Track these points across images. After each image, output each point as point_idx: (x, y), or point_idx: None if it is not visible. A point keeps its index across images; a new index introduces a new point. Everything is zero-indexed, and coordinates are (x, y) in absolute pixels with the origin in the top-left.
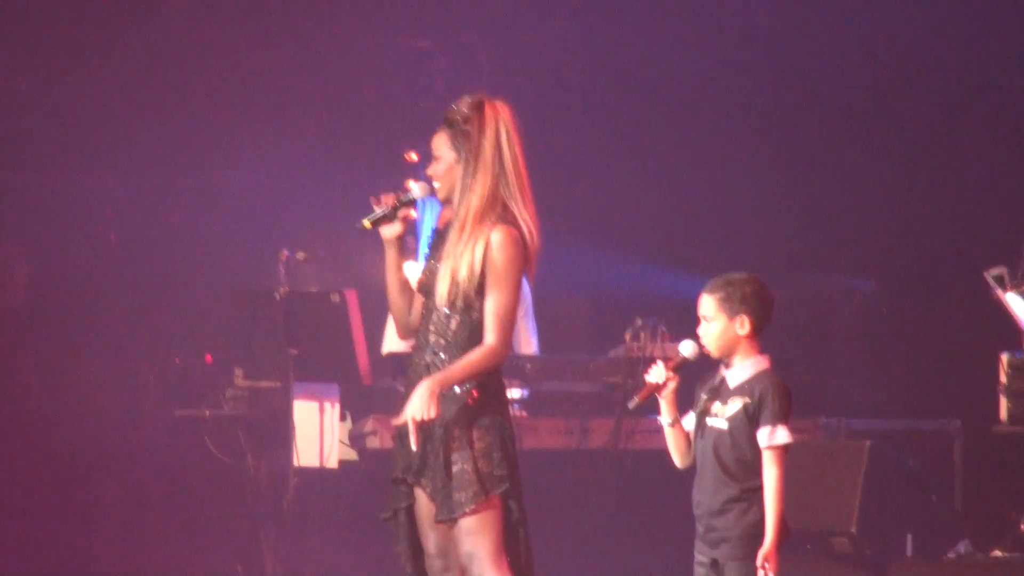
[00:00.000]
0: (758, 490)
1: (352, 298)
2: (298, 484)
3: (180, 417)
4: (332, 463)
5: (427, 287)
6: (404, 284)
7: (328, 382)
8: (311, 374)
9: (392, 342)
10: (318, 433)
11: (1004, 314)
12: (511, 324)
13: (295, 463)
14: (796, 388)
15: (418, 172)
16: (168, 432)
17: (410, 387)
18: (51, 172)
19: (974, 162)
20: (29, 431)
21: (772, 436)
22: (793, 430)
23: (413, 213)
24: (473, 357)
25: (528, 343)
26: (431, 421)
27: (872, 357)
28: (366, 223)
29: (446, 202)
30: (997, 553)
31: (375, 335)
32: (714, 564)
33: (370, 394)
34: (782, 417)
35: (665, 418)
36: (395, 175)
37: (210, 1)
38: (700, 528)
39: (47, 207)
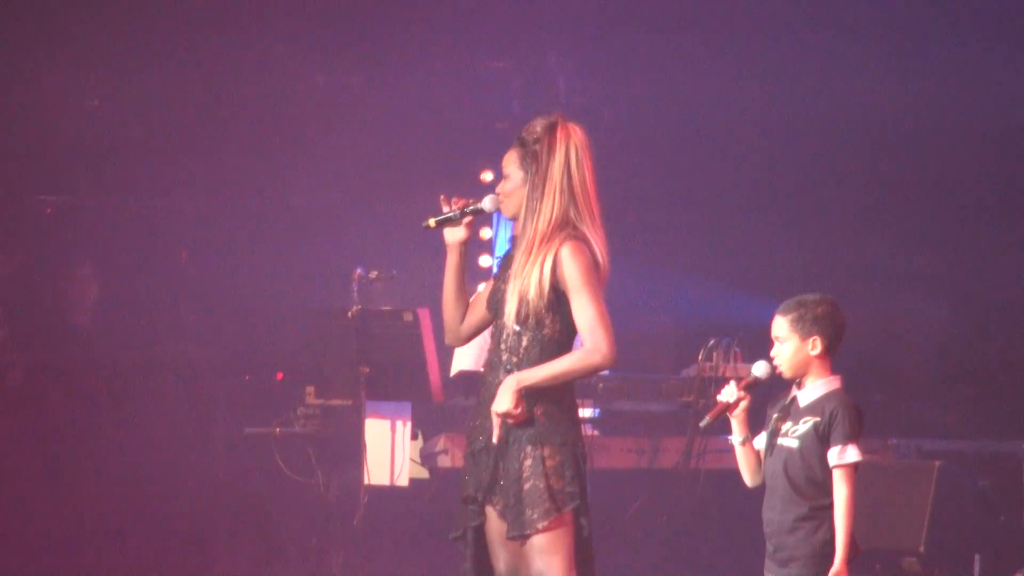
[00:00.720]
0: (827, 508)
1: (425, 317)
2: (368, 502)
3: (250, 435)
4: (403, 481)
5: (496, 305)
6: (459, 291)
7: (400, 400)
8: (383, 392)
9: (462, 361)
10: (389, 451)
11: None
12: (608, 327)
13: (366, 481)
14: (868, 408)
15: (488, 192)
16: (239, 450)
17: (483, 406)
18: (123, 194)
19: None
20: (99, 450)
21: (842, 455)
22: (864, 450)
23: (488, 231)
24: (564, 360)
25: None
26: (515, 417)
27: (944, 379)
28: (431, 222)
29: (513, 219)
30: None
31: (447, 354)
32: None
33: (442, 413)
34: (852, 436)
35: (736, 437)
36: (469, 195)
37: (283, 25)
38: (770, 547)
39: (118, 228)
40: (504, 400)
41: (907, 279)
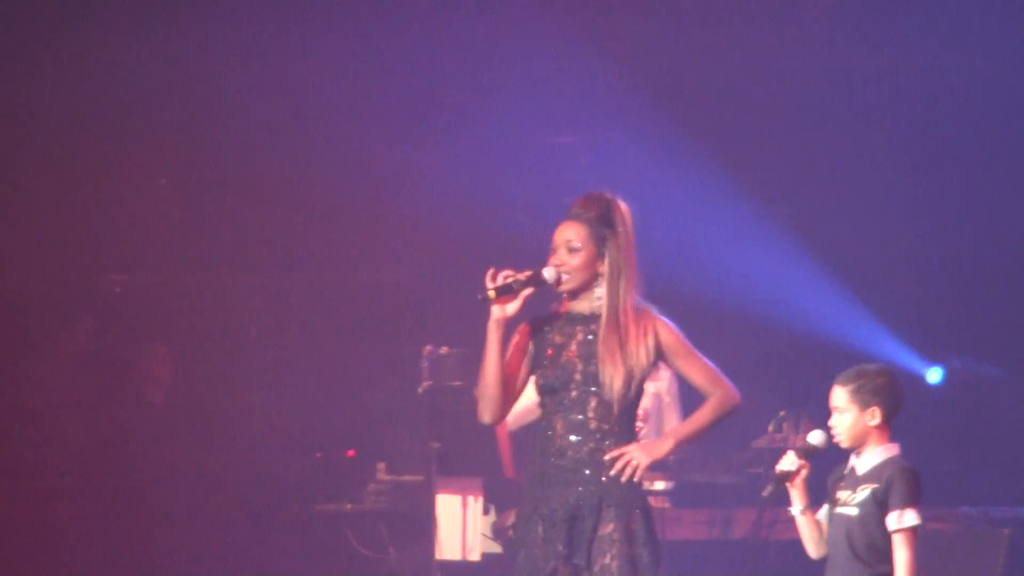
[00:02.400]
0: (889, 575)
1: None
2: None
3: (322, 511)
4: (475, 556)
5: (565, 377)
6: (502, 367)
7: (471, 476)
8: (454, 468)
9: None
10: (461, 526)
11: None
12: (724, 375)
13: (438, 556)
14: (939, 477)
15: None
16: (310, 526)
17: (553, 477)
18: (196, 271)
19: None
20: (172, 526)
21: (901, 519)
22: (931, 518)
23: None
24: (711, 411)
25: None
26: (629, 473)
27: (1016, 447)
28: (491, 292)
29: (567, 292)
30: None
31: (520, 430)
32: None
33: (513, 487)
34: (911, 500)
35: (796, 507)
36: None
37: (356, 103)
38: None
39: (191, 305)
40: (659, 454)
41: (991, 344)
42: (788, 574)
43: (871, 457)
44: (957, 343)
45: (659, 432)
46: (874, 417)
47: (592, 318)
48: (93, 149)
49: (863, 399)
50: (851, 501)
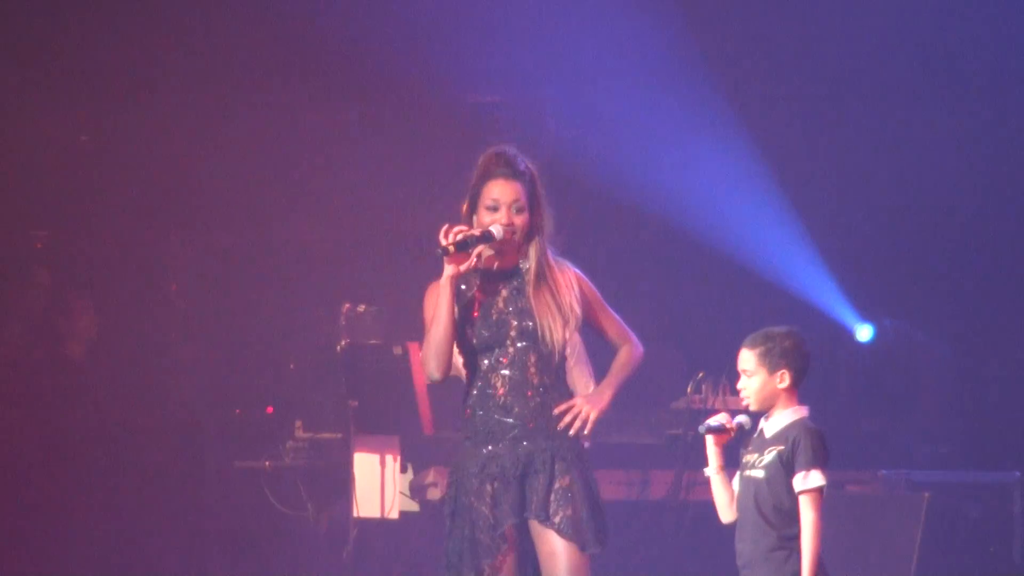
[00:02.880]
0: (797, 538)
1: (415, 350)
2: (358, 535)
3: (241, 468)
4: (393, 514)
5: (502, 330)
6: (453, 323)
7: (389, 434)
8: (372, 426)
9: None
10: (379, 484)
11: None
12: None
13: (355, 514)
14: (859, 440)
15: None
16: (229, 483)
17: (512, 421)
18: (117, 227)
19: None
20: (90, 480)
21: (806, 480)
22: (852, 480)
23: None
24: (629, 364)
25: (587, 388)
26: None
27: (936, 411)
28: (450, 247)
29: (508, 247)
30: None
31: (436, 386)
32: None
33: (431, 445)
34: (816, 461)
35: (712, 466)
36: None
37: (277, 64)
38: None
39: (111, 263)
40: (604, 403)
41: (912, 312)
42: (705, 534)
43: (779, 419)
44: (889, 304)
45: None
46: (783, 380)
47: (514, 273)
48: (13, 105)
49: (772, 362)
50: (758, 464)
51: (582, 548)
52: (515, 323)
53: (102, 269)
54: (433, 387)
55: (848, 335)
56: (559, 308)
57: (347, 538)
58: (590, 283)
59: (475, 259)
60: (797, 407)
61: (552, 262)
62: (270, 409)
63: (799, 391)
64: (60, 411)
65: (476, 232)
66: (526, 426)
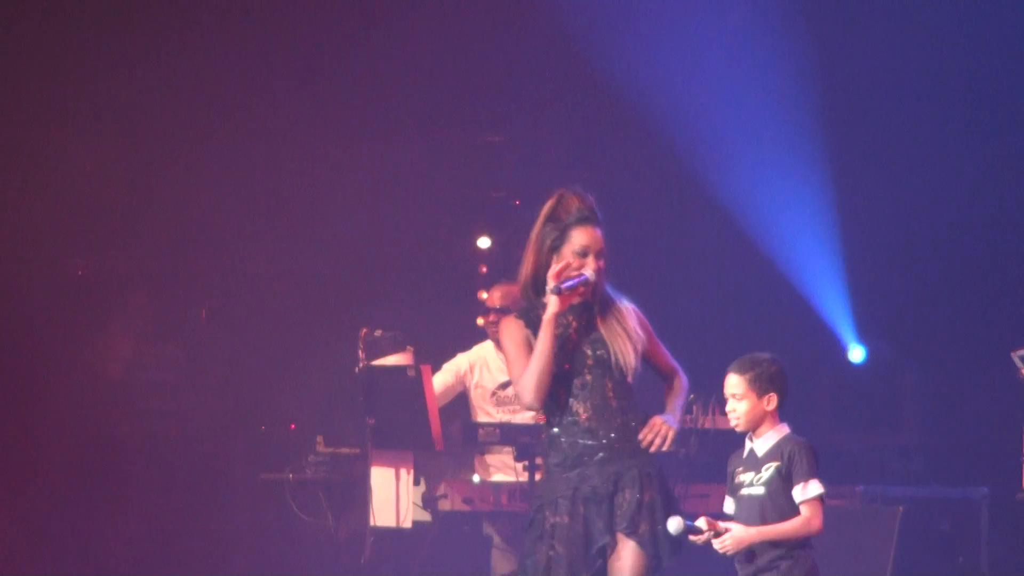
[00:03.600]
0: (800, 548)
1: (427, 372)
2: (375, 543)
3: (266, 480)
4: (407, 524)
5: (581, 360)
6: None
7: (403, 449)
8: (387, 442)
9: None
10: (394, 496)
11: None
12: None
13: (372, 523)
14: (839, 457)
15: (485, 257)
16: (255, 493)
17: (607, 451)
18: (148, 257)
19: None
20: (128, 492)
21: (805, 490)
22: (832, 495)
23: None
24: (683, 390)
25: None
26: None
27: (911, 430)
28: (562, 287)
29: (589, 289)
30: None
31: (446, 406)
32: None
33: (441, 460)
34: (812, 472)
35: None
36: (467, 260)
37: (296, 105)
38: None
39: (146, 288)
40: (678, 423)
41: (892, 334)
42: (702, 547)
43: (768, 438)
44: (870, 327)
45: None
46: (771, 403)
47: (584, 308)
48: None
49: (761, 386)
50: (757, 481)
51: (657, 560)
52: (590, 352)
53: (137, 295)
54: (444, 409)
55: (835, 354)
56: (627, 335)
57: (364, 545)
58: (644, 317)
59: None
60: (780, 425)
61: (613, 295)
62: (293, 426)
63: (781, 411)
64: (103, 425)
65: (579, 276)
66: (612, 447)
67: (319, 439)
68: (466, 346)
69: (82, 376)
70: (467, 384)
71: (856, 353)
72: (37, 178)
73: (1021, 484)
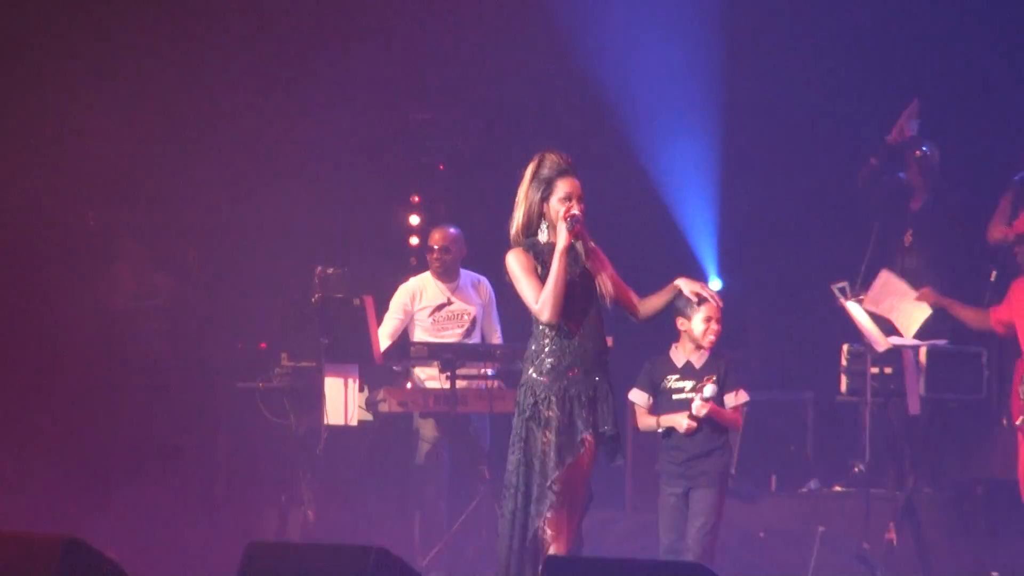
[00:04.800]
0: (727, 441)
1: (369, 302)
2: (327, 438)
3: (242, 388)
4: (354, 422)
5: (586, 294)
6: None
7: (350, 363)
8: (337, 357)
9: (384, 341)
10: (343, 400)
11: (845, 316)
12: None
13: (325, 422)
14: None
15: (417, 209)
16: (233, 398)
17: (590, 361)
18: (154, 211)
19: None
20: (131, 398)
21: (737, 397)
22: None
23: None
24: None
25: (494, 333)
26: None
27: (750, 345)
28: (569, 223)
29: (577, 231)
30: (837, 488)
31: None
32: (686, 493)
33: (380, 372)
34: (739, 383)
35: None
36: (400, 212)
37: (240, 78)
38: (681, 468)
39: (147, 236)
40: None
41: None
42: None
43: (703, 354)
44: (728, 264)
45: (484, 337)
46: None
47: (570, 247)
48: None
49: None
50: (700, 388)
51: (612, 458)
52: (580, 282)
53: (137, 242)
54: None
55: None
56: (605, 268)
57: (319, 439)
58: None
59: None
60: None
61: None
62: (263, 344)
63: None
64: (112, 346)
65: (574, 216)
66: (594, 361)
67: (284, 355)
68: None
69: (94, 308)
70: (412, 308)
71: (715, 284)
72: (55, 145)
73: (839, 388)
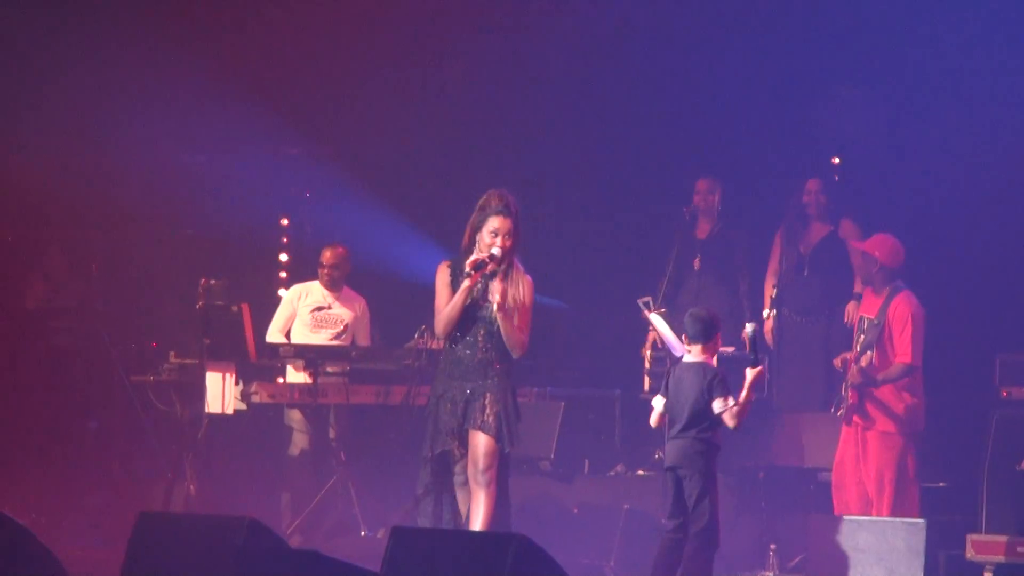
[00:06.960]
0: (714, 436)
1: (245, 308)
2: (208, 424)
3: (135, 381)
4: (230, 410)
5: (488, 318)
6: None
7: (228, 360)
8: (218, 354)
9: (276, 336)
10: (221, 392)
11: (649, 326)
12: None
13: (206, 411)
14: (524, 369)
15: (285, 231)
16: (127, 390)
17: (465, 370)
18: (65, 228)
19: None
20: (38, 388)
21: (725, 403)
22: (522, 396)
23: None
24: (508, 329)
25: (367, 338)
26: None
27: (567, 348)
28: (469, 269)
29: (491, 267)
30: (640, 472)
31: (261, 330)
32: (671, 469)
33: (254, 368)
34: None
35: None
36: (273, 233)
37: (150, 115)
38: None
39: (60, 249)
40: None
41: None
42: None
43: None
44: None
45: (363, 341)
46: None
47: (490, 275)
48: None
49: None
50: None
51: (501, 444)
52: (479, 310)
53: (49, 254)
54: (258, 332)
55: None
56: (513, 300)
57: (201, 426)
58: (532, 291)
59: (479, 275)
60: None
61: (519, 269)
62: (154, 344)
63: None
64: (25, 342)
65: (486, 258)
66: (469, 371)
67: (172, 353)
68: (274, 303)
69: (10, 310)
70: (297, 305)
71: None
72: None
73: (642, 387)
